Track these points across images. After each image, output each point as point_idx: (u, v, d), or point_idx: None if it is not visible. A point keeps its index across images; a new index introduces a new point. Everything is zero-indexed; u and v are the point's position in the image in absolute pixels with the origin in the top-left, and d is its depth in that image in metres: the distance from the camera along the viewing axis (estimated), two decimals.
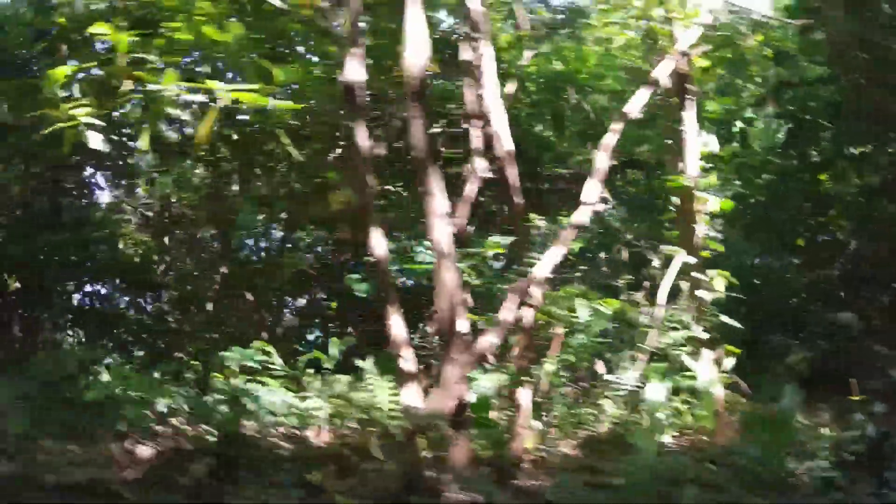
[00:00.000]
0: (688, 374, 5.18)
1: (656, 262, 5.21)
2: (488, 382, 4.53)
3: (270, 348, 4.78)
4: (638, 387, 4.92)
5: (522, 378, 4.54)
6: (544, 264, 4.25)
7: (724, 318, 5.03)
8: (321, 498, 3.96)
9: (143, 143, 4.69)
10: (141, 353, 7.41)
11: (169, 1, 4.99)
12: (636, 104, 4.73)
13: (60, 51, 5.87)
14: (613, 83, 7.06)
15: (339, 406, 4.66)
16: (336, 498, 3.93)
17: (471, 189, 4.50)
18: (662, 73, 4.80)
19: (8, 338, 8.21)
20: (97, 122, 5.03)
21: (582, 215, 4.35)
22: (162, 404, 4.67)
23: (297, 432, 4.63)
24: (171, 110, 4.59)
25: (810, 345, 5.96)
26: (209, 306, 7.49)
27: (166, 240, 7.97)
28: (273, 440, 4.44)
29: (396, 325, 4.32)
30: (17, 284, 8.10)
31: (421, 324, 6.10)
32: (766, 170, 6.81)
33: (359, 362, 4.65)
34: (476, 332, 4.35)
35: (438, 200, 3.98)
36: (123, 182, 7.79)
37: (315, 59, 5.95)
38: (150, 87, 4.59)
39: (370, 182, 4.32)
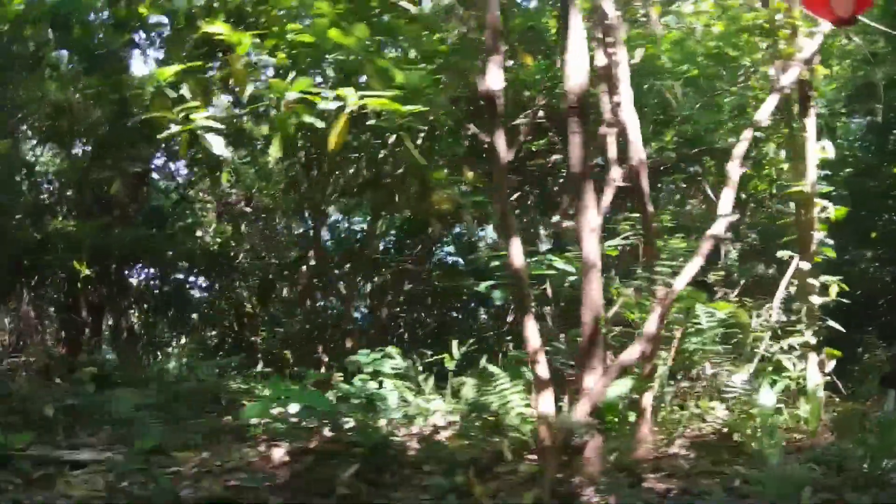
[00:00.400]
0: (787, 375, 5.33)
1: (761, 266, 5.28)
2: (616, 388, 4.63)
3: (396, 351, 4.86)
4: (747, 390, 5.06)
5: (648, 383, 4.66)
6: (684, 276, 4.32)
7: (832, 323, 5.14)
8: (469, 501, 4.10)
9: (275, 150, 4.66)
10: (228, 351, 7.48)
11: (286, 1, 4.91)
12: (765, 111, 4.75)
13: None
14: (692, 70, 6.99)
15: (464, 408, 4.77)
16: (485, 501, 4.07)
17: (607, 197, 4.54)
18: (788, 80, 4.81)
19: (75, 322, 8.28)
20: (215, 124, 5.06)
21: (719, 226, 4.42)
22: (294, 407, 4.77)
23: (428, 434, 4.74)
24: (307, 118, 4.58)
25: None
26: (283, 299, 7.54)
27: (243, 228, 7.99)
28: (411, 443, 4.55)
29: (532, 332, 4.40)
30: (87, 271, 8.14)
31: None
32: (847, 164, 6.86)
33: (489, 367, 4.73)
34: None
35: (591, 214, 4.03)
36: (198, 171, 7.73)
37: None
38: (276, 90, 4.58)
39: (507, 189, 4.35)
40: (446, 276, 6.83)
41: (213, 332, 8.34)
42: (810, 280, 5.10)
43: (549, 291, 5.47)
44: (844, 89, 6.73)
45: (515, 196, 6.73)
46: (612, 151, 4.54)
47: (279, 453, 4.61)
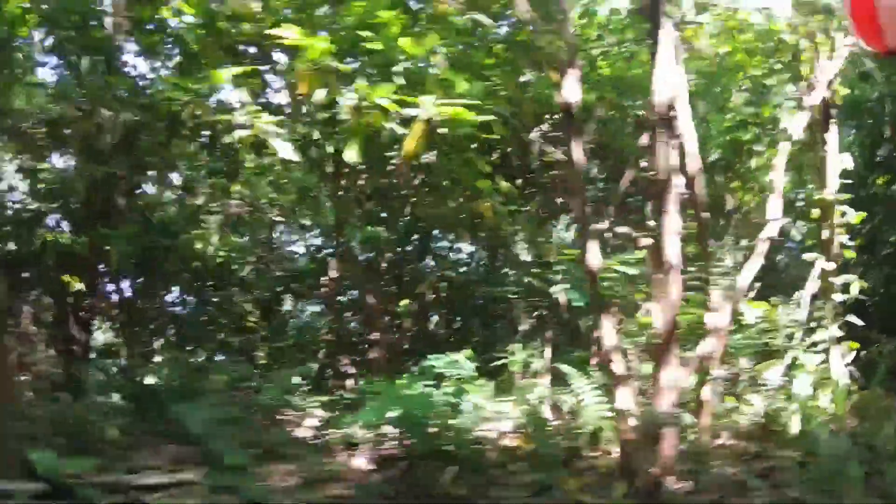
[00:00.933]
0: (809, 366, 5.83)
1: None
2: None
3: (466, 354, 4.95)
4: (784, 381, 5.50)
5: (708, 377, 4.99)
6: (746, 276, 4.70)
7: (853, 319, 5.68)
8: (562, 495, 4.25)
9: (352, 155, 4.69)
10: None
11: (356, 8, 4.96)
12: (798, 126, 5.23)
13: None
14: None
15: (535, 408, 4.93)
16: (581, 497, 4.24)
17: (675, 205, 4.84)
18: (814, 100, 5.34)
19: (63, 336, 7.85)
20: (276, 129, 5.03)
21: (772, 230, 4.83)
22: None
23: (503, 434, 4.86)
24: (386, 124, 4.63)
25: None
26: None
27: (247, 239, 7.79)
28: (496, 444, 4.66)
29: (608, 332, 4.63)
30: (80, 285, 7.73)
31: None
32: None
33: (562, 366, 4.91)
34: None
35: (674, 218, 4.31)
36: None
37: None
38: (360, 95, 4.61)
39: (586, 198, 4.57)
40: (478, 283, 6.96)
41: (211, 346, 8.07)
42: (832, 279, 5.62)
43: None
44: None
45: (534, 206, 6.95)
46: (675, 161, 4.87)
47: (361, 461, 4.61)
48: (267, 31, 5.11)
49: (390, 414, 4.12)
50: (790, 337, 5.59)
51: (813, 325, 5.66)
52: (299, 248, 8.73)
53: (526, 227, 6.09)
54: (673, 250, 4.37)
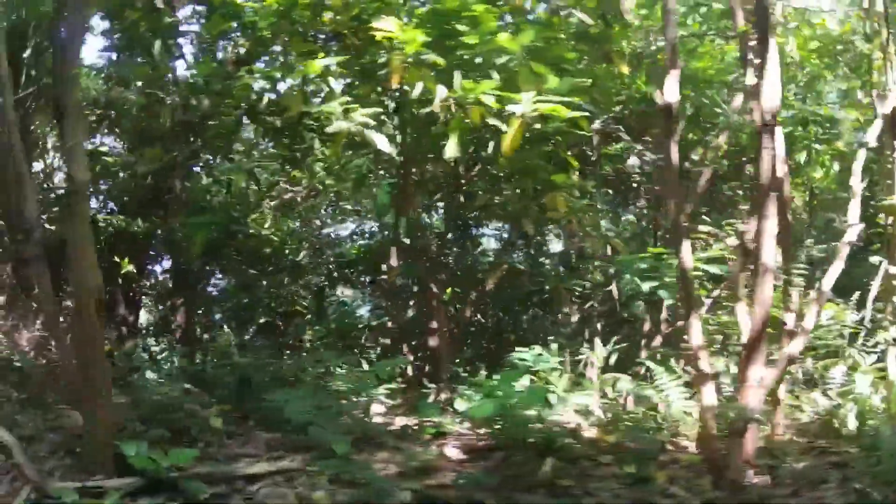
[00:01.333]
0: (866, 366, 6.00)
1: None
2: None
3: (553, 349, 5.06)
4: (846, 381, 5.67)
5: (784, 375, 5.13)
6: (828, 279, 4.83)
7: None
8: (651, 487, 4.39)
9: (451, 150, 4.74)
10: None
11: (451, 2, 4.97)
12: (873, 134, 5.36)
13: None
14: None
15: (619, 403, 5.07)
16: (666, 487, 4.38)
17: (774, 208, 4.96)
18: (886, 108, 5.45)
19: (113, 317, 7.88)
20: (368, 120, 5.05)
21: (852, 234, 4.96)
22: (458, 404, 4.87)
23: (590, 428, 4.98)
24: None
25: None
26: None
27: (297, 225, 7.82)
28: (582, 436, 4.78)
29: (696, 330, 4.75)
30: (131, 267, 7.75)
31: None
32: None
33: (648, 363, 5.04)
34: None
35: (771, 223, 4.42)
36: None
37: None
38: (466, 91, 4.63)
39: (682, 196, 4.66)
40: (545, 276, 7.04)
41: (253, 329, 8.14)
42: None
43: None
44: None
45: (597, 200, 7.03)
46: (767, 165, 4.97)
47: (453, 452, 4.71)
48: (357, 23, 5.14)
49: (495, 408, 4.19)
50: (852, 337, 5.75)
51: (869, 325, 5.83)
52: (354, 234, 8.76)
53: (593, 221, 6.18)
54: (769, 253, 4.49)
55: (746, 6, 5.12)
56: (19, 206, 4.41)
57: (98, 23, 7.89)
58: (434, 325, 6.89)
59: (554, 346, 5.25)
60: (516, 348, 5.13)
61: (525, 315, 7.43)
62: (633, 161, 7.22)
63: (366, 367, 5.93)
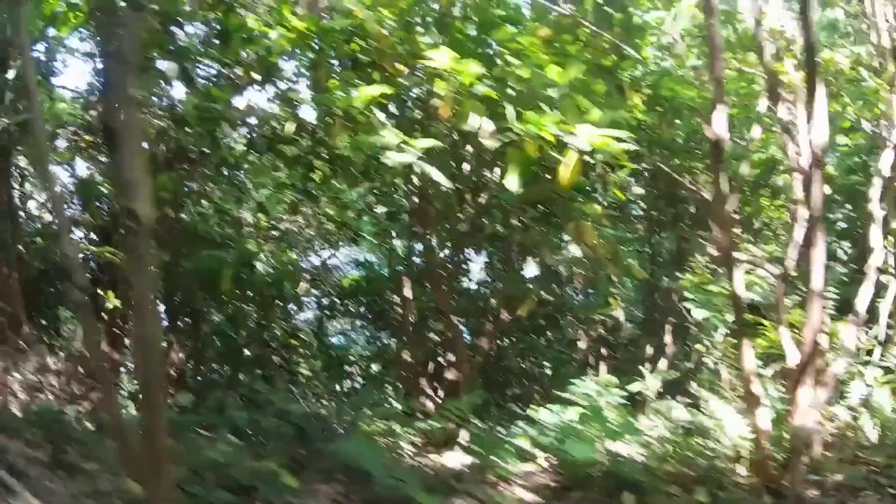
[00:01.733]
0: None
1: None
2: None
3: (611, 378, 5.07)
4: (866, 395, 5.99)
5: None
6: (862, 302, 5.11)
7: None
8: None
9: (513, 183, 4.70)
10: None
11: (502, 34, 4.98)
12: (885, 164, 5.75)
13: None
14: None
15: (672, 429, 5.13)
16: None
17: (798, 234, 5.18)
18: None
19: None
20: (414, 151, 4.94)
21: (878, 258, 5.29)
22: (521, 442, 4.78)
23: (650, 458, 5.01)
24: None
25: None
26: None
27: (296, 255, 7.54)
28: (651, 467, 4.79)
29: (748, 355, 4.90)
30: (117, 302, 7.25)
31: None
32: None
33: (702, 391, 5.13)
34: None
35: (820, 251, 4.64)
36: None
37: None
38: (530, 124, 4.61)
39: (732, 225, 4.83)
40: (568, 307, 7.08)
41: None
42: None
43: None
44: None
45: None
46: (799, 192, 5.22)
47: (529, 495, 4.61)
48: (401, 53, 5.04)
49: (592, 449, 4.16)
50: (868, 353, 6.10)
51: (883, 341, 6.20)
52: (350, 264, 8.55)
53: (615, 250, 6.27)
54: (818, 279, 4.70)
55: (775, 41, 5.41)
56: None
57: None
58: (453, 357, 6.80)
59: (607, 377, 5.27)
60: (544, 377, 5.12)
61: (540, 342, 7.45)
62: (636, 190, 7.43)
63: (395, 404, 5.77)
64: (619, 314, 7.26)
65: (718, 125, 4.80)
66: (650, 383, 5.32)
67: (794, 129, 5.21)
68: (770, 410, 4.95)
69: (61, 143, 7.44)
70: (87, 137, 7.74)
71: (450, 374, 6.89)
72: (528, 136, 4.63)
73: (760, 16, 5.54)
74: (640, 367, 6.50)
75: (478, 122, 4.73)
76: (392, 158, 4.72)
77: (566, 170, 4.75)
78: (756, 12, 5.54)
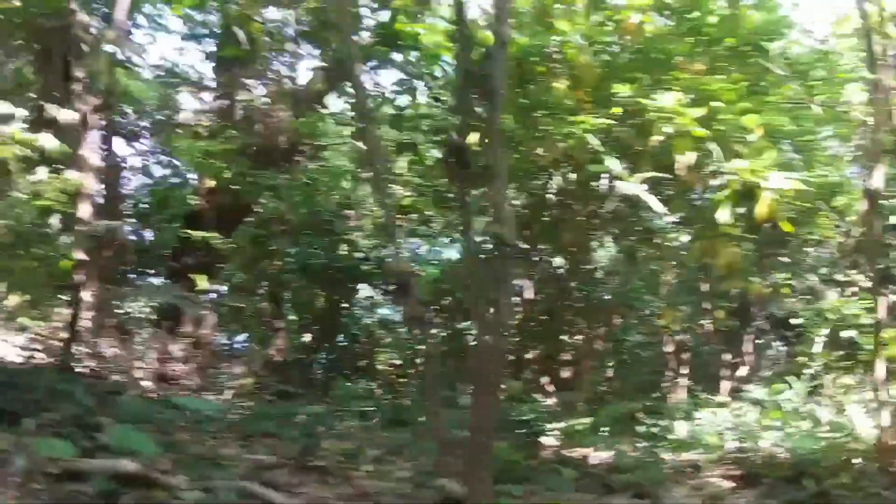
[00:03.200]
0: None
1: None
2: None
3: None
4: None
5: None
6: None
7: None
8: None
9: (725, 216, 5.48)
10: None
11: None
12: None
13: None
14: None
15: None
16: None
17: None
18: None
19: None
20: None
21: None
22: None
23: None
24: None
25: None
26: None
27: None
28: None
29: (881, 368, 6.00)
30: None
31: None
32: None
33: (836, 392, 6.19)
34: None
35: None
36: None
37: None
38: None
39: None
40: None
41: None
42: None
43: None
44: None
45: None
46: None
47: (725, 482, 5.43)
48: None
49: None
50: None
51: None
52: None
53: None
54: None
55: None
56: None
57: None
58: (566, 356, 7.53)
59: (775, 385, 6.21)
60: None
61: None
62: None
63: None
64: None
65: (877, 179, 5.83)
66: (798, 388, 6.32)
67: None
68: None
69: None
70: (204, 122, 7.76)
71: (566, 373, 7.63)
72: (739, 176, 5.44)
73: None
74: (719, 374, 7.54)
75: (692, 160, 5.48)
76: (621, 188, 5.37)
77: (765, 205, 5.60)
78: None
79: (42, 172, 5.27)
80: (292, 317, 8.55)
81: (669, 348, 8.38)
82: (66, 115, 5.24)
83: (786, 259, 7.57)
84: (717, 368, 8.04)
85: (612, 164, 5.45)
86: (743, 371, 7.98)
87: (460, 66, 4.00)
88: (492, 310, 4.04)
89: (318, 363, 8.35)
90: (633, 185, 5.34)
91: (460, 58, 3.94)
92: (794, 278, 7.55)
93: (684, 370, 8.08)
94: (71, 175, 5.20)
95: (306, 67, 8.32)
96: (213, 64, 8.48)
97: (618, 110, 5.71)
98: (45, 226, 5.43)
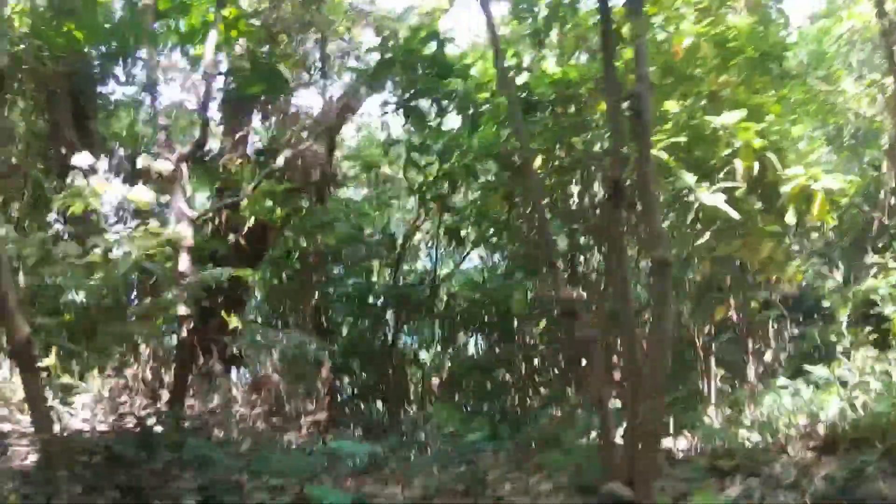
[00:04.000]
0: None
1: None
2: None
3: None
4: None
5: None
6: None
7: None
8: None
9: (791, 218, 6.08)
10: None
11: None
12: None
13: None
14: None
15: None
16: None
17: None
18: None
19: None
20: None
21: None
22: None
23: None
24: None
25: None
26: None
27: None
28: None
29: None
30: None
31: None
32: None
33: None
34: None
35: None
36: None
37: None
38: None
39: None
40: None
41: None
42: None
43: None
44: None
45: None
46: None
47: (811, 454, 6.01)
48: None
49: None
50: None
51: None
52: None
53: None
54: None
55: None
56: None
57: None
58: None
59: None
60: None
61: None
62: None
63: None
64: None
65: None
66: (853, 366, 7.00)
67: None
68: None
69: None
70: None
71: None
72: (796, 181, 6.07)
73: None
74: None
75: (754, 169, 6.06)
76: (702, 199, 5.86)
77: (819, 206, 6.26)
78: None
79: (134, 225, 5.20)
80: (336, 348, 8.60)
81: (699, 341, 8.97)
82: (161, 166, 5.18)
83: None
84: (742, 356, 8.67)
85: (687, 177, 5.94)
86: (769, 356, 8.66)
87: (610, 109, 4.36)
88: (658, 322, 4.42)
89: (371, 393, 8.47)
90: (713, 196, 5.85)
91: (610, 103, 4.31)
92: (819, 265, 8.29)
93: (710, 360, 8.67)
94: (170, 226, 5.15)
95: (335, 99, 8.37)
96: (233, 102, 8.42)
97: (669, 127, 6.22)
98: (144, 282, 5.33)
